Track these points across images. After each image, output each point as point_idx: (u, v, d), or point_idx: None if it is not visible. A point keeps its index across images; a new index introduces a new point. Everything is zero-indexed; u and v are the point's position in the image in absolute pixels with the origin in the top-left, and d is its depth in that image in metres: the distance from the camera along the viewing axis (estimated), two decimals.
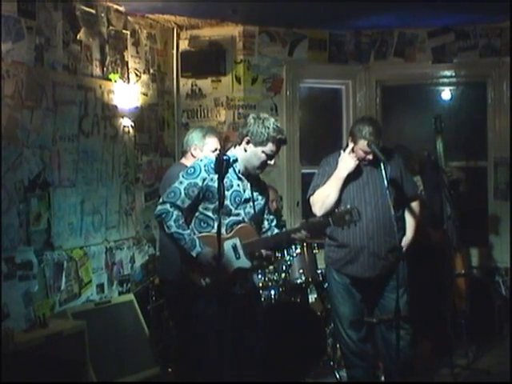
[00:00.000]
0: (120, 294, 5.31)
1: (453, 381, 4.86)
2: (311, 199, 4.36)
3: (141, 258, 5.64)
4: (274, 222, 3.97)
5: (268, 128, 3.68)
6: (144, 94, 5.79)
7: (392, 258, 4.23)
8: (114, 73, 5.33)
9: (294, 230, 3.83)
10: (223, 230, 3.65)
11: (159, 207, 3.67)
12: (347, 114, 6.68)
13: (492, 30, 6.25)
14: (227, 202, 3.67)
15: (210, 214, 3.70)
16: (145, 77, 5.82)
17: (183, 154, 4.80)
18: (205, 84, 6.34)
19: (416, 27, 6.39)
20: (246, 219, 3.74)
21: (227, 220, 3.70)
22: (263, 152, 3.69)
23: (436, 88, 6.78)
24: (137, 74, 5.70)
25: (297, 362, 4.88)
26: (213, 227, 3.68)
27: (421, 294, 4.73)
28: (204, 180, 3.66)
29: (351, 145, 4.28)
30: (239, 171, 3.77)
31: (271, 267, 5.20)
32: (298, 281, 5.17)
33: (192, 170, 3.70)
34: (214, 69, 6.23)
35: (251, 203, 3.77)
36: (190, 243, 3.61)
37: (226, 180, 3.64)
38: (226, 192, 3.64)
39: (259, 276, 5.24)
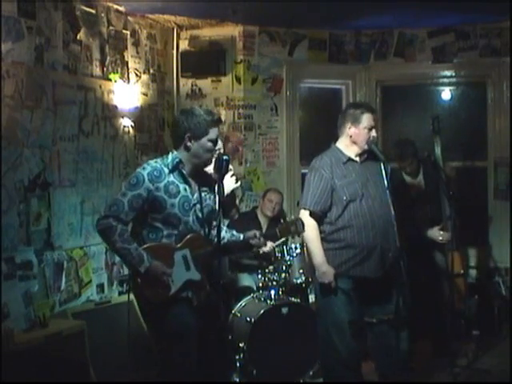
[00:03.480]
0: (120, 294, 5.31)
1: (453, 381, 4.86)
2: (306, 217, 4.07)
3: None
4: (223, 231, 3.76)
5: (201, 116, 3.53)
6: (144, 94, 5.79)
7: (394, 256, 4.16)
8: (114, 73, 5.33)
9: (249, 237, 3.71)
10: (171, 241, 3.54)
11: (101, 221, 3.44)
12: None
13: (492, 29, 6.25)
14: (175, 211, 3.51)
15: (159, 224, 3.53)
16: (145, 77, 5.82)
17: None
18: (205, 84, 6.34)
19: (416, 27, 6.39)
20: (194, 226, 3.59)
21: (176, 231, 3.54)
22: (209, 140, 3.54)
23: (436, 88, 6.78)
24: (137, 74, 5.70)
25: (296, 362, 4.88)
26: (162, 237, 3.53)
27: (417, 293, 4.70)
28: (149, 191, 3.47)
29: (351, 130, 4.16)
30: (187, 173, 3.58)
31: (271, 267, 5.21)
32: (298, 281, 5.18)
33: (135, 180, 3.48)
34: (214, 69, 6.24)
35: (199, 206, 3.60)
36: (138, 258, 3.41)
37: (171, 187, 3.51)
38: (173, 200, 3.50)
39: (259, 276, 5.25)
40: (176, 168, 3.56)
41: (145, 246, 3.50)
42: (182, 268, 3.54)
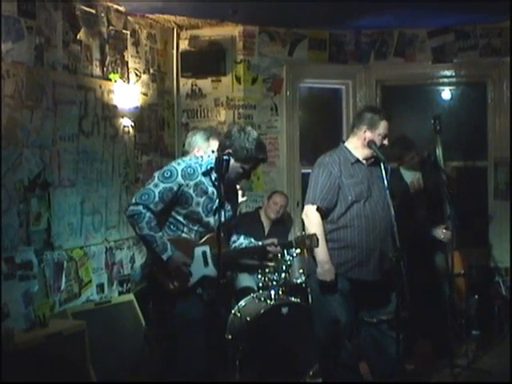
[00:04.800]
0: (120, 293, 5.32)
1: (453, 381, 4.86)
2: (312, 212, 4.09)
3: (141, 257, 5.62)
4: (242, 237, 3.93)
5: (252, 145, 3.60)
6: (144, 94, 5.79)
7: (394, 259, 4.14)
8: (114, 73, 5.33)
9: (267, 244, 3.83)
10: (191, 236, 3.67)
11: (131, 207, 3.58)
12: (347, 114, 6.68)
13: (492, 30, 6.26)
14: (199, 209, 3.64)
15: (180, 218, 3.66)
16: (145, 77, 5.82)
17: (184, 154, 4.79)
18: (205, 84, 6.34)
19: (416, 27, 6.39)
20: (215, 228, 3.67)
21: (196, 227, 3.67)
22: (242, 168, 3.65)
23: (436, 88, 6.79)
24: (137, 74, 5.70)
25: (296, 362, 4.89)
26: (182, 231, 3.66)
27: (418, 293, 4.69)
28: (180, 186, 3.59)
29: (366, 134, 4.11)
30: (215, 179, 3.66)
31: (271, 267, 5.20)
32: (298, 281, 5.18)
33: (168, 173, 3.61)
34: (214, 69, 6.24)
35: (221, 211, 3.67)
36: (162, 246, 3.54)
37: (201, 186, 3.63)
38: (199, 198, 3.62)
39: (259, 276, 5.24)
40: (208, 172, 3.66)
41: (168, 237, 3.62)
42: (200, 263, 3.66)
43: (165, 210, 3.63)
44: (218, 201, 3.64)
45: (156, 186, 3.59)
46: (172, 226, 3.67)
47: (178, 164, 3.66)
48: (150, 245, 3.58)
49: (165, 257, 3.54)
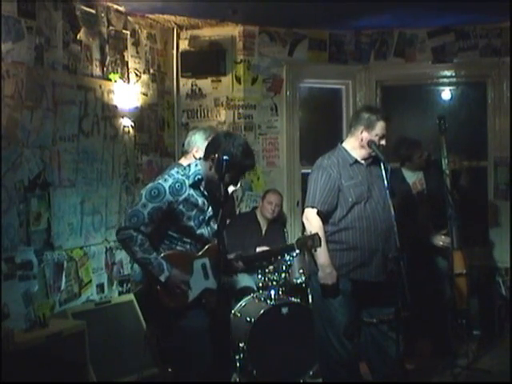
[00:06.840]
0: (120, 294, 5.32)
1: (453, 381, 4.86)
2: (312, 216, 4.09)
3: None
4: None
5: (238, 150, 3.50)
6: (144, 94, 5.79)
7: (396, 259, 4.12)
8: (114, 73, 5.33)
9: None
10: (186, 249, 3.60)
11: (122, 232, 3.50)
12: (347, 114, 6.68)
13: (492, 30, 6.26)
14: (191, 223, 3.56)
15: (173, 233, 3.59)
16: (145, 77, 5.82)
17: (183, 153, 4.79)
18: (205, 84, 6.34)
19: (416, 27, 6.39)
20: (209, 238, 3.64)
21: (189, 239, 3.60)
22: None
23: (436, 88, 6.79)
24: (137, 74, 5.70)
25: (296, 362, 4.89)
26: (176, 245, 3.59)
27: (419, 293, 4.69)
28: (169, 203, 3.49)
29: (362, 134, 4.11)
30: (204, 187, 3.61)
31: (271, 267, 5.21)
32: (298, 281, 5.18)
33: (156, 191, 3.50)
34: (214, 69, 6.23)
35: (214, 219, 3.65)
36: (158, 267, 3.47)
37: (191, 200, 3.55)
38: (190, 212, 3.55)
39: (259, 276, 5.25)
40: (196, 184, 3.58)
41: (165, 253, 3.55)
42: (200, 276, 3.60)
43: (156, 226, 3.53)
44: (209, 210, 3.61)
45: (144, 206, 3.48)
46: (166, 241, 3.59)
47: (165, 180, 3.55)
48: (145, 267, 3.50)
49: (162, 278, 3.47)
